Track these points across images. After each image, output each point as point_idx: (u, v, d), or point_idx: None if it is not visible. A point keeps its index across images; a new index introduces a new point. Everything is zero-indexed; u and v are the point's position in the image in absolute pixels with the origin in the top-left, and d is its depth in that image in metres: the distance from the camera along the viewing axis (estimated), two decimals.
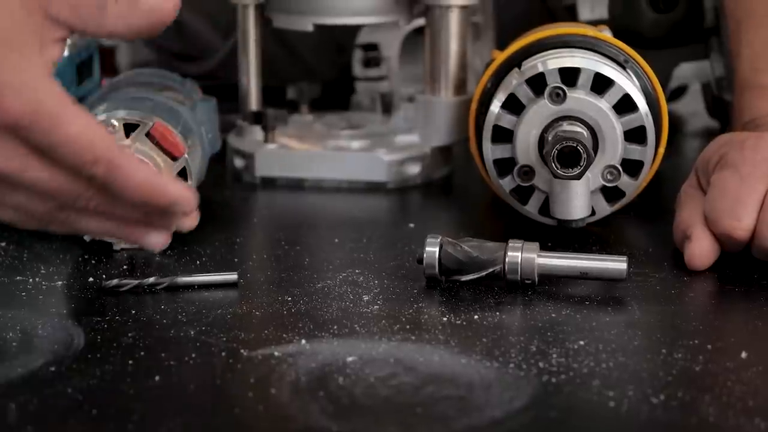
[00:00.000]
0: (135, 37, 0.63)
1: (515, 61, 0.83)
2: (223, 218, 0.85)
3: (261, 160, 0.95)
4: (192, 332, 0.64)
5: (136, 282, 0.70)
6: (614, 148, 0.78)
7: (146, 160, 0.74)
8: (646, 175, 0.81)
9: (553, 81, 0.78)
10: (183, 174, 0.76)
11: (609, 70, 0.79)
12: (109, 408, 0.56)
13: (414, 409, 0.56)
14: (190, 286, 0.71)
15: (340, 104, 1.12)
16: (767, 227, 0.71)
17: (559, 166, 0.75)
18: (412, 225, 0.85)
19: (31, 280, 0.72)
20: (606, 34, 0.84)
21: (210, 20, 1.18)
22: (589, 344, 0.63)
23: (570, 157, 0.75)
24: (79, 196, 0.60)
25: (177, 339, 0.64)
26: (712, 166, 0.76)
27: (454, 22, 0.93)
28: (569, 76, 0.79)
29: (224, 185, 0.95)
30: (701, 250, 0.74)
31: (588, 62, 0.79)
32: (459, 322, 0.66)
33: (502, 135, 0.80)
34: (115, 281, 0.70)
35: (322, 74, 1.19)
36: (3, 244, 0.78)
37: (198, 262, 0.76)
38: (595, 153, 0.77)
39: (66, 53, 0.87)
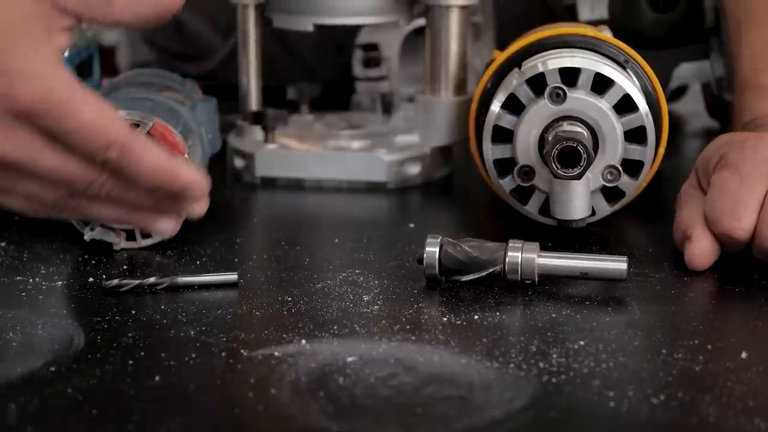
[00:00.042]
0: (142, 26, 0.63)
1: (515, 61, 0.83)
2: (223, 218, 0.85)
3: (261, 160, 0.95)
4: (192, 332, 0.64)
5: (136, 282, 0.70)
6: (614, 148, 0.78)
7: None
8: (646, 175, 0.81)
9: (554, 81, 0.78)
10: None
11: (609, 70, 0.79)
12: (109, 408, 0.56)
13: (414, 410, 0.56)
14: (190, 286, 0.71)
15: (340, 104, 1.12)
16: (767, 227, 0.72)
17: (559, 166, 0.75)
18: (412, 225, 0.85)
19: (31, 280, 0.72)
20: (606, 34, 0.84)
21: (210, 20, 1.18)
22: (590, 344, 0.63)
23: (570, 157, 0.75)
24: (91, 182, 0.60)
25: (177, 339, 0.64)
26: (713, 166, 0.76)
27: (454, 22, 0.93)
28: (569, 76, 0.79)
29: (224, 185, 0.95)
30: (701, 251, 0.74)
31: (588, 62, 0.79)
32: (459, 322, 0.66)
33: (503, 135, 0.80)
34: (115, 281, 0.70)
35: (322, 74, 1.19)
36: (3, 244, 0.78)
37: (198, 262, 0.76)
38: (596, 153, 0.77)
39: (66, 54, 0.87)
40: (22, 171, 0.59)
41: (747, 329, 0.68)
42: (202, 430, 0.54)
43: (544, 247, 0.72)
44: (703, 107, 1.16)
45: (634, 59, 0.82)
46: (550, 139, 0.76)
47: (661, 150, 0.82)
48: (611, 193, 0.81)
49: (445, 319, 0.67)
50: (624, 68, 0.81)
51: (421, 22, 0.97)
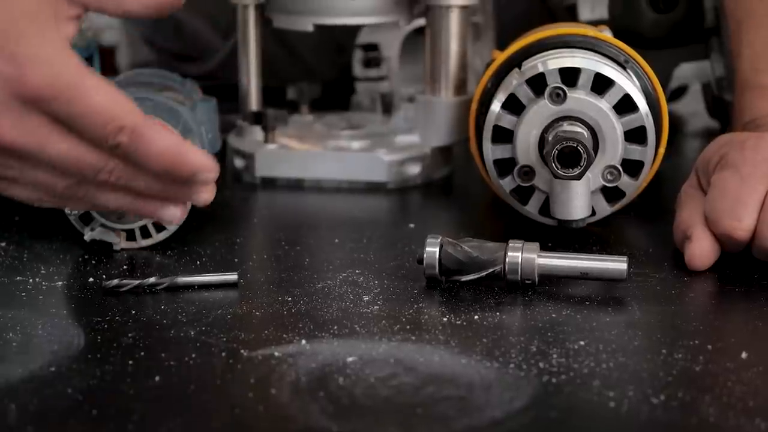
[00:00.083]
0: (149, 15, 0.63)
1: (515, 61, 0.83)
2: (223, 218, 0.85)
3: (261, 160, 0.95)
4: (192, 332, 0.64)
5: (136, 282, 0.70)
6: (614, 149, 0.78)
7: None
8: (647, 175, 0.81)
9: (554, 81, 0.78)
10: None
11: (609, 71, 0.79)
12: (109, 408, 0.56)
13: (414, 410, 0.56)
14: (190, 287, 0.71)
15: (340, 104, 1.12)
16: (767, 228, 0.71)
17: (559, 167, 0.75)
18: (412, 225, 0.85)
19: (31, 280, 0.72)
20: (606, 34, 0.84)
21: (210, 20, 1.18)
22: (590, 344, 0.63)
23: (570, 157, 0.75)
24: (100, 169, 0.60)
25: (177, 339, 0.64)
26: (713, 166, 0.76)
27: (454, 22, 0.93)
28: (569, 76, 0.79)
29: (224, 185, 0.95)
30: (701, 251, 0.74)
31: (588, 62, 0.79)
32: (459, 322, 0.66)
33: (503, 135, 0.80)
34: (115, 281, 0.70)
35: (322, 74, 1.19)
36: (3, 244, 0.78)
37: (198, 262, 0.76)
38: (596, 153, 0.77)
39: None
40: (29, 158, 0.59)
41: (747, 329, 0.68)
42: (202, 430, 0.54)
43: (544, 247, 0.72)
44: (703, 107, 1.16)
45: (634, 59, 0.81)
46: (550, 139, 0.76)
47: (661, 150, 0.82)
48: (611, 193, 0.81)
49: (445, 319, 0.67)
50: (624, 68, 0.81)
51: (421, 22, 0.97)
